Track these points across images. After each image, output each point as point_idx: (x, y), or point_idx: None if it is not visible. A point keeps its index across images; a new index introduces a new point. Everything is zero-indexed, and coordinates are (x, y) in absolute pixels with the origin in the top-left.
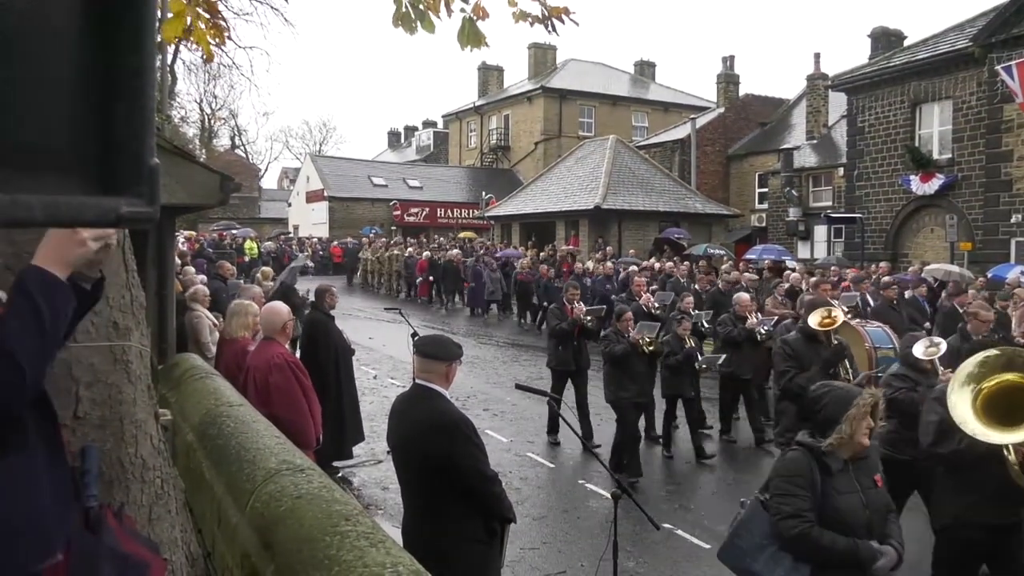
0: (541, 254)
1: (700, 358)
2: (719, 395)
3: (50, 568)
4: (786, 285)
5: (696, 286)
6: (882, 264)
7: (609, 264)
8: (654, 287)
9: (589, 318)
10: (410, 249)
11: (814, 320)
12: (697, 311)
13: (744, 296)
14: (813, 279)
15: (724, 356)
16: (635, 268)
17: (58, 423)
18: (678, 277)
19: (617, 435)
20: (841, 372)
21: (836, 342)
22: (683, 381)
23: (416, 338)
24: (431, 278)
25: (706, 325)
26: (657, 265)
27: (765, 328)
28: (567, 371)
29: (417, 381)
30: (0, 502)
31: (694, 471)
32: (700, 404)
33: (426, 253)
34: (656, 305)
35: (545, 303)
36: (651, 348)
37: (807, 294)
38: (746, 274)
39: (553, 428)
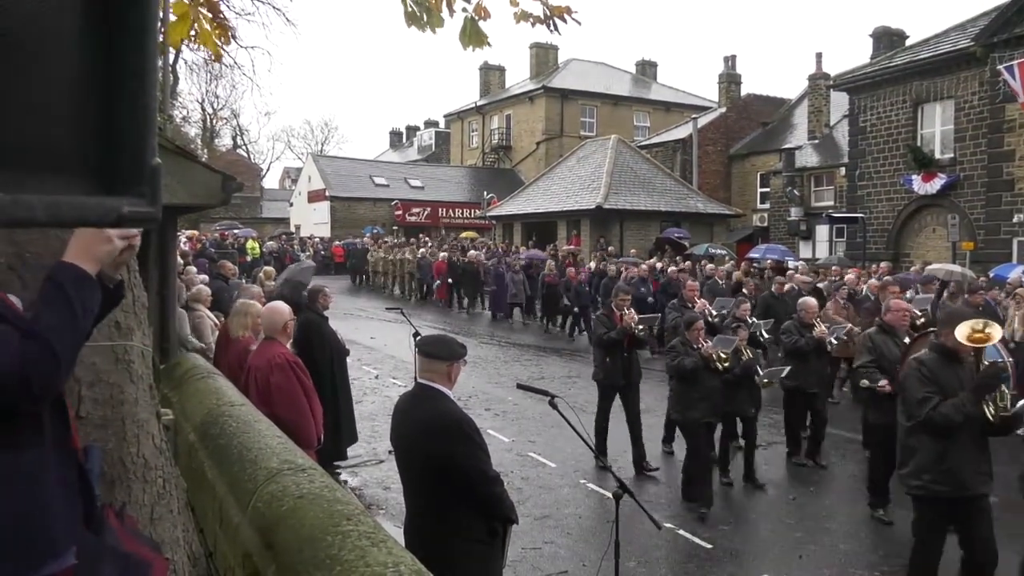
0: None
1: (761, 372)
2: (784, 412)
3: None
4: (845, 288)
5: (745, 291)
6: (883, 264)
7: (644, 266)
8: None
9: (641, 327)
10: (423, 250)
11: (962, 334)
12: (755, 319)
13: (811, 302)
14: (872, 281)
15: (788, 368)
16: (683, 272)
17: (71, 426)
18: (716, 279)
19: (687, 460)
20: (998, 399)
21: (988, 362)
22: (742, 397)
23: (418, 337)
24: (450, 280)
25: (765, 335)
26: (660, 265)
27: (835, 337)
28: (616, 385)
29: (419, 381)
30: (9, 497)
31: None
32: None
33: (443, 254)
34: (714, 312)
35: (576, 308)
36: (726, 364)
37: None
38: (798, 276)
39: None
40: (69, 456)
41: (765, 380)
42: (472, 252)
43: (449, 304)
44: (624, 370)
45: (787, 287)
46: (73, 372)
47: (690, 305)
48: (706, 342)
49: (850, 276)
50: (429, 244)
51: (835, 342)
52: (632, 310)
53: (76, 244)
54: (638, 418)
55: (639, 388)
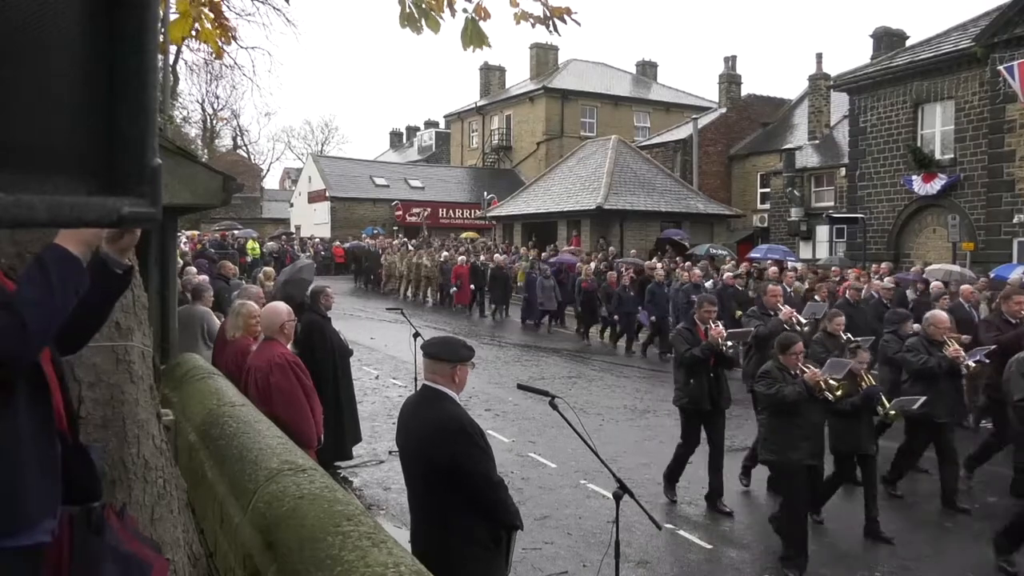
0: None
1: (886, 401)
2: (905, 442)
3: (52, 562)
4: (946, 298)
5: (817, 296)
6: (883, 264)
7: (697, 271)
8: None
9: (730, 343)
10: (446, 253)
11: None
12: (849, 335)
13: (941, 315)
14: (966, 287)
15: (923, 398)
16: (753, 275)
17: (55, 408)
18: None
19: (781, 513)
20: None
21: None
22: (861, 431)
23: (419, 338)
24: (472, 286)
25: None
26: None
27: (974, 360)
28: (702, 411)
29: (425, 383)
30: None
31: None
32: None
33: (461, 258)
34: (803, 321)
35: (615, 316)
36: (839, 393)
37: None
38: (875, 281)
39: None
40: (50, 437)
41: (892, 412)
42: (499, 256)
43: (471, 311)
44: (711, 393)
45: (863, 293)
46: (73, 372)
47: (772, 313)
48: (807, 366)
49: (965, 287)
50: (449, 247)
51: (972, 364)
52: (719, 323)
53: (69, 232)
54: (722, 450)
55: (725, 415)
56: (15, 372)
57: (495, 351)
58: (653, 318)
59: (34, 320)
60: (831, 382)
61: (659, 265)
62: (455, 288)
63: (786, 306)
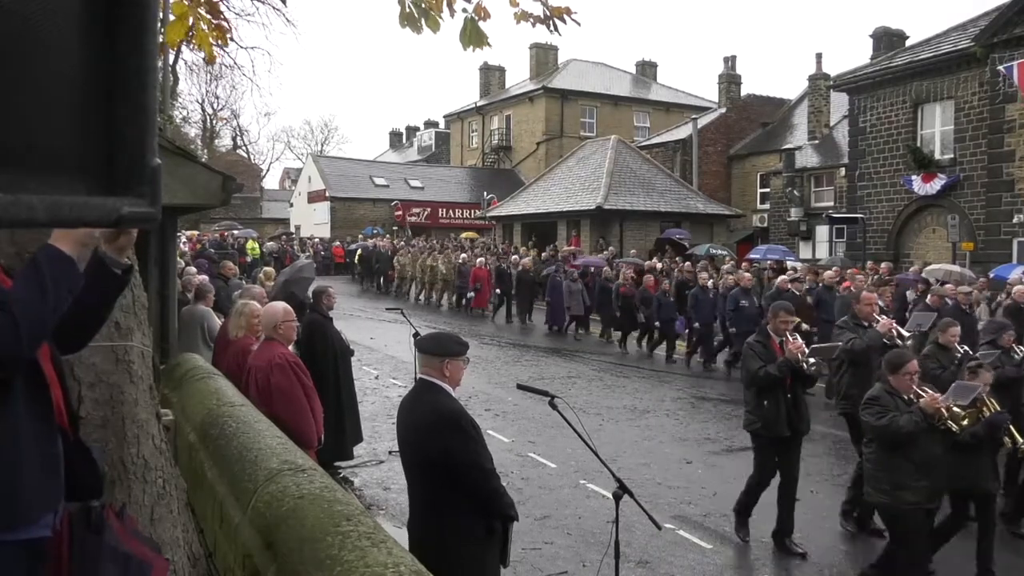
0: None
1: (1017, 434)
2: None
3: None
4: (1007, 300)
5: (929, 300)
6: (883, 264)
7: (747, 275)
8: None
9: (812, 360)
10: (464, 255)
11: None
12: (966, 348)
13: None
14: (990, 292)
15: None
16: (858, 280)
17: (54, 404)
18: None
19: (895, 563)
20: None
21: None
22: (980, 467)
23: (418, 336)
24: (498, 290)
25: None
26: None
27: None
28: (778, 438)
29: (421, 376)
30: None
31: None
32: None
33: (480, 259)
34: (906, 334)
35: (656, 323)
36: (964, 423)
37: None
38: (943, 285)
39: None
40: (50, 434)
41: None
42: (523, 259)
43: (495, 316)
44: (788, 417)
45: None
46: (73, 372)
47: (867, 324)
48: (924, 389)
49: (1018, 288)
50: (467, 248)
51: None
52: (797, 336)
53: (63, 233)
54: (796, 481)
55: (802, 442)
56: (12, 370)
57: (495, 351)
58: (696, 324)
59: (26, 319)
60: (955, 410)
61: (706, 272)
62: (473, 292)
63: (885, 318)
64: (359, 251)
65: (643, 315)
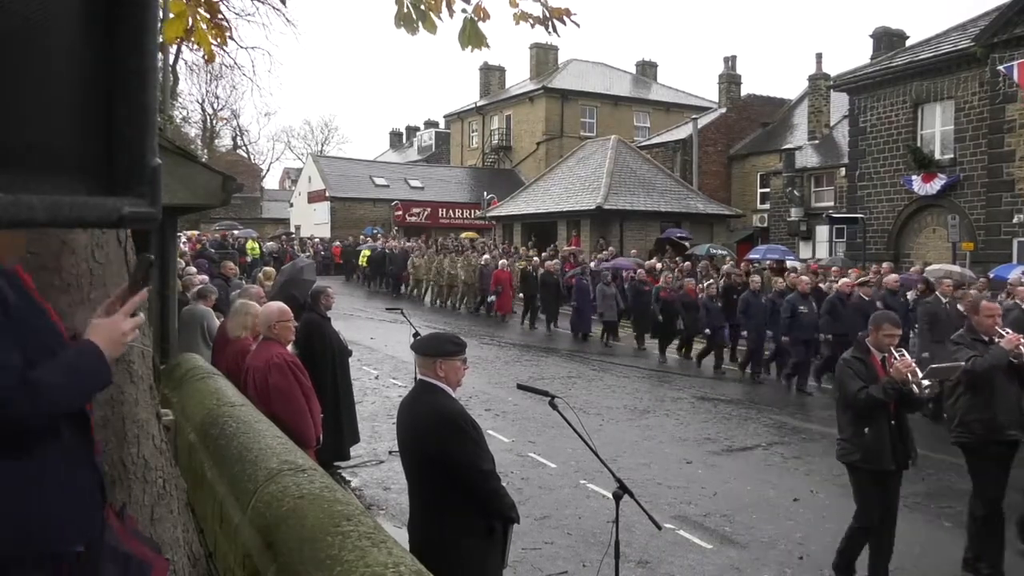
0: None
1: None
2: None
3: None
4: (1007, 301)
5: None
6: (884, 264)
7: (805, 278)
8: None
9: (927, 383)
10: (486, 256)
11: None
12: None
13: None
14: (990, 292)
15: None
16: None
17: (91, 434)
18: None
19: None
20: None
21: None
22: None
23: (418, 336)
24: (521, 294)
25: None
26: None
27: None
28: (881, 472)
29: (420, 377)
30: (18, 500)
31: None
32: None
33: (503, 261)
34: None
35: (707, 331)
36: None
37: None
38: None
39: (847, 564)
40: (89, 463)
41: None
42: (550, 262)
43: (522, 321)
44: (893, 448)
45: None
46: None
47: (987, 339)
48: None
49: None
50: (491, 250)
51: None
52: (904, 353)
53: (103, 333)
54: (893, 525)
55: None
56: (29, 427)
57: (495, 351)
58: (745, 333)
59: (47, 405)
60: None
61: (758, 275)
62: (494, 295)
63: (1008, 330)
64: (367, 252)
65: (683, 322)
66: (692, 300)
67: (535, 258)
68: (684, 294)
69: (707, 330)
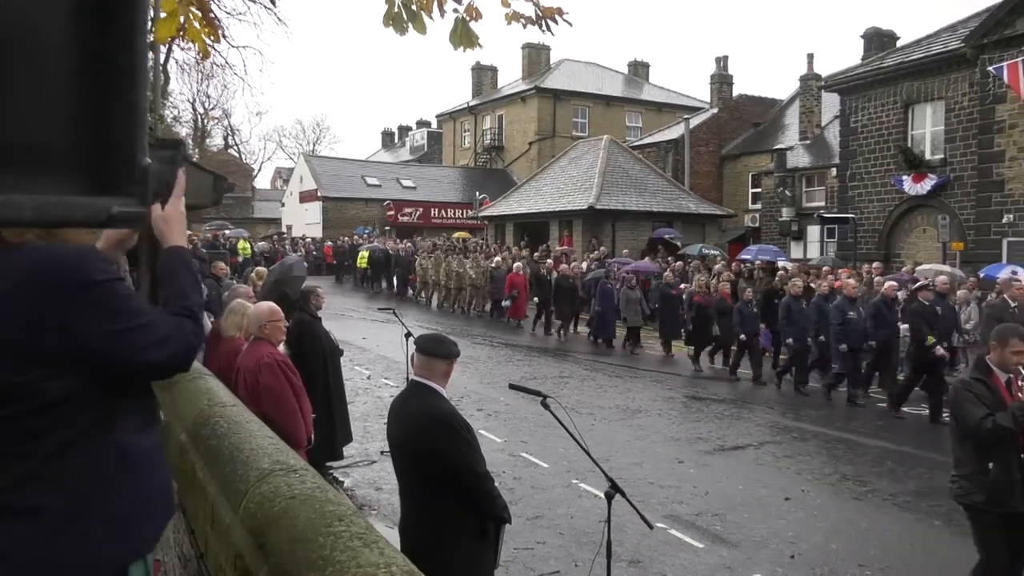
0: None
1: None
2: None
3: None
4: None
5: None
6: (875, 264)
7: (852, 281)
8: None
9: None
10: (497, 259)
11: None
12: None
13: None
14: (980, 292)
15: None
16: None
17: None
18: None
19: None
20: None
21: None
22: None
23: (411, 338)
24: (535, 299)
25: None
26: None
27: None
28: (1008, 513)
29: (413, 378)
30: (153, 471)
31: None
32: None
33: (517, 264)
34: None
35: (743, 336)
36: None
37: None
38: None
39: None
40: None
41: None
42: (564, 265)
43: (534, 326)
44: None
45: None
46: None
47: None
48: None
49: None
50: (503, 252)
51: None
52: None
53: (176, 229)
54: (1022, 570)
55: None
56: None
57: (487, 350)
58: (790, 341)
59: (200, 317)
60: None
61: (825, 281)
62: (509, 300)
63: None
64: (366, 252)
65: (718, 327)
66: (728, 305)
67: (548, 260)
68: (720, 298)
69: (742, 336)
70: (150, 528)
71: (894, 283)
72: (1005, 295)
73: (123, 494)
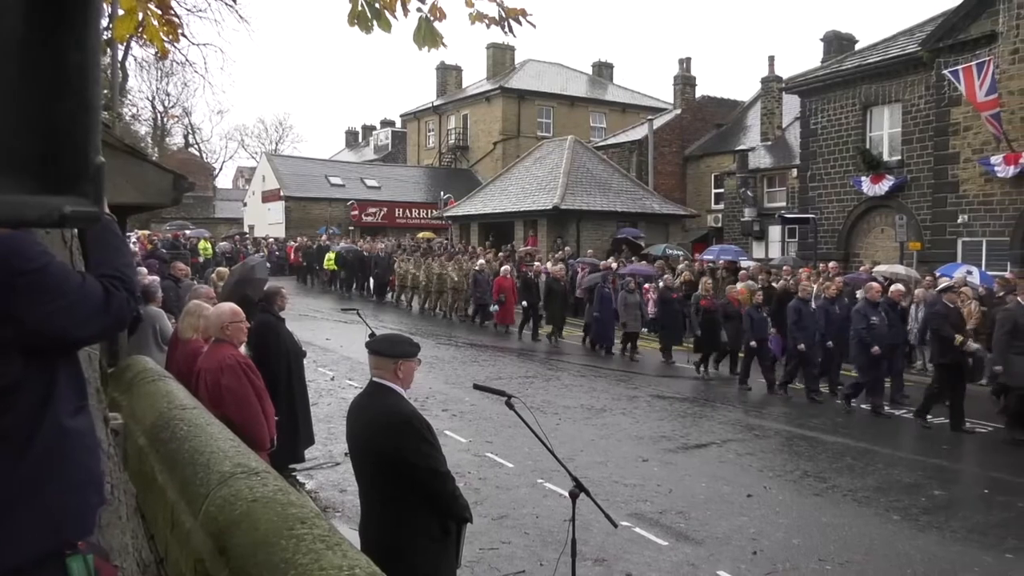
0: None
1: None
2: None
3: None
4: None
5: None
6: (832, 263)
7: (875, 284)
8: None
9: None
10: (481, 261)
11: None
12: None
13: None
14: (935, 291)
15: None
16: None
17: None
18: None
19: None
20: None
21: None
22: None
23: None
24: (524, 303)
25: None
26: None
27: None
28: None
29: (373, 379)
30: (90, 452)
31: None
32: None
33: (505, 267)
34: None
35: (753, 343)
36: None
37: None
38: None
39: None
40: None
41: None
42: (553, 266)
43: (520, 332)
44: None
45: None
46: None
47: None
48: None
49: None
50: (487, 254)
51: None
52: None
53: None
54: None
55: None
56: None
57: (452, 351)
58: (802, 346)
59: (135, 284)
60: None
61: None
62: (496, 305)
63: None
64: (333, 254)
65: (725, 332)
66: (736, 310)
67: (536, 263)
68: (727, 303)
69: (752, 342)
70: (84, 512)
71: (900, 287)
72: (1020, 298)
73: (58, 477)
